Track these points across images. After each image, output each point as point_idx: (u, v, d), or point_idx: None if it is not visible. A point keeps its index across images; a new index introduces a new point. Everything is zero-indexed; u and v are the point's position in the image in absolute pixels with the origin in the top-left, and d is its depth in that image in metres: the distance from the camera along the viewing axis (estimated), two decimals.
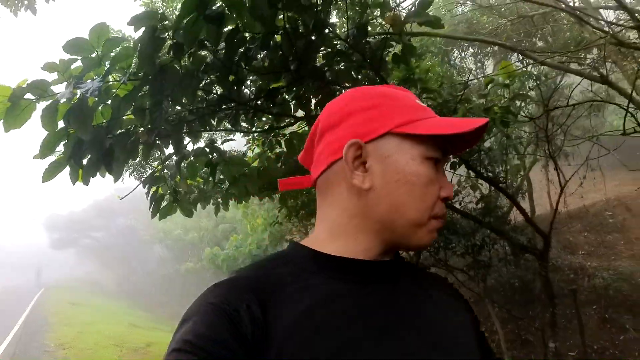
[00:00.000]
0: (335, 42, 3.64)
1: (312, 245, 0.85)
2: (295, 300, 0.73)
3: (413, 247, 0.84)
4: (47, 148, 2.85)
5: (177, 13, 2.67)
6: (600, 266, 9.16)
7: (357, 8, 3.93)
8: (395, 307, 0.79)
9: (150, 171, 4.60)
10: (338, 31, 4.95)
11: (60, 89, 2.75)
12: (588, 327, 7.13)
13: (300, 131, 4.51)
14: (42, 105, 2.73)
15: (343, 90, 3.75)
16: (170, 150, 3.65)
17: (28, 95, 2.66)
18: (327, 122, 0.87)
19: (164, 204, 4.16)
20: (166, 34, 2.68)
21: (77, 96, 2.66)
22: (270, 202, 8.75)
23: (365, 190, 0.82)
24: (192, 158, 3.91)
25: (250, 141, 5.16)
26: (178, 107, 3.55)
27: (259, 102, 3.85)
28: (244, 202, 5.04)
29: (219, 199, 4.70)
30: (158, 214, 4.05)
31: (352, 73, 3.83)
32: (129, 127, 3.27)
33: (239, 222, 12.08)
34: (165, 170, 4.11)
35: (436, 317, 0.83)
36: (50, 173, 2.93)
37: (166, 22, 2.67)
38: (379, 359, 0.71)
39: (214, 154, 4.13)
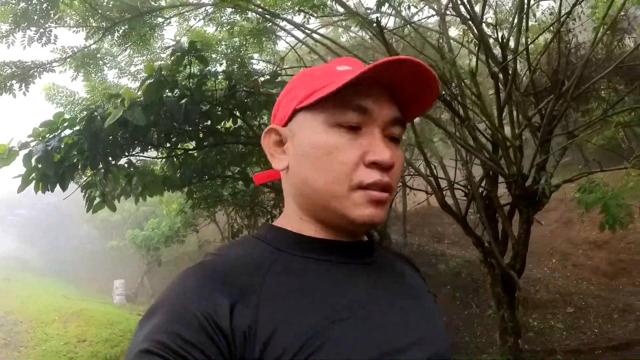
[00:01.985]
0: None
1: (282, 225, 0.84)
2: (274, 285, 0.71)
3: (350, 224, 0.78)
4: (26, 177, 5.14)
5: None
6: (458, 254, 11.73)
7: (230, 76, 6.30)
8: (375, 287, 0.80)
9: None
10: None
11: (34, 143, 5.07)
12: (440, 303, 9.82)
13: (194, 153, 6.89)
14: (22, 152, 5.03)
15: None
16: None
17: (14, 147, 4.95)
18: (272, 116, 0.90)
19: (95, 201, 6.46)
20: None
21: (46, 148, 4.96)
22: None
23: (286, 171, 0.84)
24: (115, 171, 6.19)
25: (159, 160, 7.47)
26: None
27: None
28: None
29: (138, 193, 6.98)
30: (92, 209, 6.40)
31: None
32: (74, 161, 5.56)
33: (158, 206, 14.23)
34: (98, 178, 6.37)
35: (412, 295, 0.86)
36: (23, 185, 5.20)
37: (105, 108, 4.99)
38: (365, 339, 0.71)
39: (131, 168, 6.46)
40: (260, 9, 5.43)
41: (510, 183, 5.40)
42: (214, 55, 6.84)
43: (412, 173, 6.74)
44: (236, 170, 8.22)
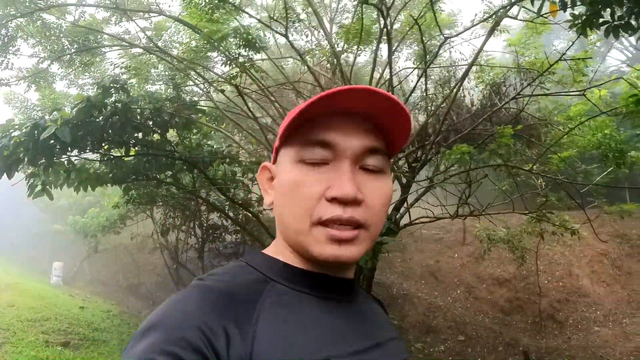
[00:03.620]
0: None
1: (274, 254, 0.89)
2: (269, 318, 0.75)
3: (316, 260, 0.82)
4: None
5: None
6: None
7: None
8: (357, 327, 0.85)
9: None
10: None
11: None
12: None
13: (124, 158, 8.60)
14: None
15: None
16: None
17: None
18: None
19: (37, 189, 8.12)
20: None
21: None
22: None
23: (272, 207, 0.90)
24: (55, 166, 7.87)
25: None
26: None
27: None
28: None
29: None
30: (32, 195, 8.08)
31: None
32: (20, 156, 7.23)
33: (103, 196, 15.73)
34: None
35: (386, 339, 0.91)
36: None
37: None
38: None
39: (70, 165, 8.15)
40: (178, 59, 7.22)
41: None
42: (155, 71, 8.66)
43: None
44: (169, 174, 9.95)
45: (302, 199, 0.80)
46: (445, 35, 6.19)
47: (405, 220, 7.54)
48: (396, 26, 8.59)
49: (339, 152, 0.81)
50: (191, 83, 8.86)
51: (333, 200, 0.79)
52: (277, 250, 0.90)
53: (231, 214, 11.07)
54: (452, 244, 14.36)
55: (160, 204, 12.05)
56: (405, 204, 7.29)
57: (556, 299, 11.64)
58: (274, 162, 0.92)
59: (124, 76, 8.22)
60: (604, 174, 8.11)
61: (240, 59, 6.42)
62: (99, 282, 18.25)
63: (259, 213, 10.06)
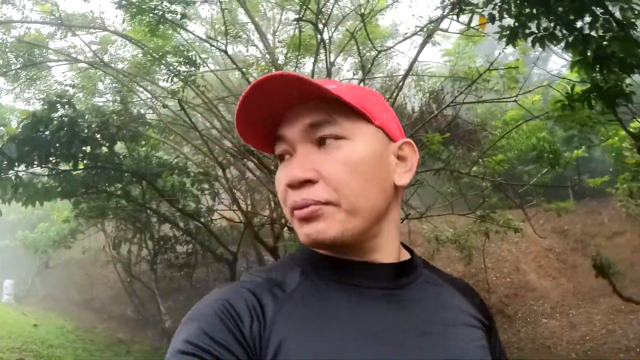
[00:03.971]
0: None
1: None
2: (293, 309, 0.77)
3: (311, 246, 0.83)
4: None
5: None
6: None
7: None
8: (399, 312, 0.81)
9: None
10: None
11: None
12: None
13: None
14: None
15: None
16: None
17: None
18: None
19: None
20: None
21: None
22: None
23: None
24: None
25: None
26: None
27: None
28: None
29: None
30: None
31: None
32: None
33: (53, 211, 15.68)
34: None
35: (445, 320, 0.85)
36: None
37: None
38: None
39: (17, 180, 8.28)
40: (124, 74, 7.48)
41: None
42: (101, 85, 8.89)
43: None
44: (119, 187, 10.12)
45: (279, 194, 0.84)
46: (378, 49, 6.63)
47: None
48: (339, 36, 9.05)
49: (290, 141, 0.82)
50: (139, 95, 9.10)
51: (291, 187, 0.79)
52: None
53: (182, 225, 11.27)
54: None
55: (111, 216, 12.11)
56: None
57: (505, 294, 12.12)
58: None
59: (70, 90, 8.44)
60: (541, 175, 8.69)
61: (182, 75, 6.72)
62: (52, 299, 18.00)
63: (210, 222, 10.34)
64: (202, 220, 10.41)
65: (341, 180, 0.78)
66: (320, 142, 0.80)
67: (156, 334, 13.18)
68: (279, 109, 0.82)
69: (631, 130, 6.18)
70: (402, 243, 0.92)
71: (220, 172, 9.12)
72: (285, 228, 8.10)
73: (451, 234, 9.83)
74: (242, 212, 8.14)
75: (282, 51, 8.25)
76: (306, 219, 0.78)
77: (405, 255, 0.92)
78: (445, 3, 6.09)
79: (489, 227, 8.81)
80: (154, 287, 12.72)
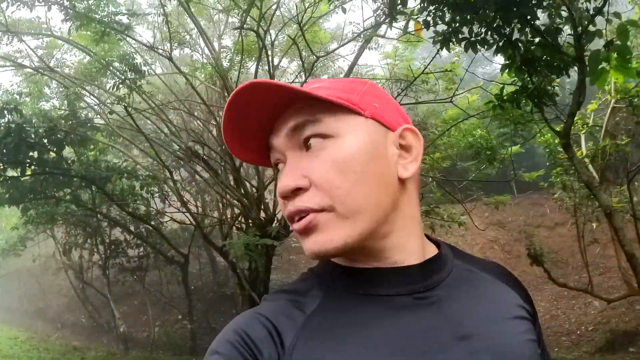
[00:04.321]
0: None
1: (337, 259, 0.83)
2: (314, 326, 0.73)
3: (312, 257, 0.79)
4: None
5: None
6: (278, 277, 14.02)
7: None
8: (433, 317, 0.76)
9: None
10: None
11: None
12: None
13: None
14: None
15: None
16: None
17: None
18: None
19: None
20: None
21: None
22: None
23: None
24: None
25: None
26: None
27: None
28: None
29: None
30: None
31: None
32: None
33: (0, 218, 15.56)
34: None
35: (487, 318, 0.79)
36: None
37: None
38: None
39: None
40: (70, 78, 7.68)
41: (256, 224, 7.98)
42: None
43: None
44: (68, 192, 10.24)
45: (280, 207, 0.79)
46: (317, 55, 7.03)
47: None
48: (284, 38, 9.39)
49: (280, 151, 0.79)
50: (86, 100, 9.25)
51: (283, 198, 0.76)
52: None
53: (132, 228, 11.44)
54: None
55: (61, 222, 12.15)
56: None
57: None
58: None
59: (18, 97, 8.55)
60: (479, 171, 9.23)
61: (127, 82, 6.96)
62: (3, 309, 17.91)
63: (160, 225, 10.56)
64: (152, 223, 10.59)
65: (332, 183, 0.73)
66: (307, 145, 0.76)
67: (111, 339, 13.26)
68: (266, 118, 0.79)
69: (557, 128, 6.67)
70: (427, 236, 0.87)
71: (169, 175, 9.35)
72: (234, 228, 8.43)
73: None
74: (190, 214, 8.44)
75: (226, 56, 8.55)
76: (304, 232, 0.74)
77: (433, 250, 0.84)
78: (378, 12, 6.50)
79: (433, 221, 9.29)
80: (107, 292, 12.77)
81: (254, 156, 0.85)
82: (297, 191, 0.74)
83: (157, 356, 11.60)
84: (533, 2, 4.55)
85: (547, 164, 9.93)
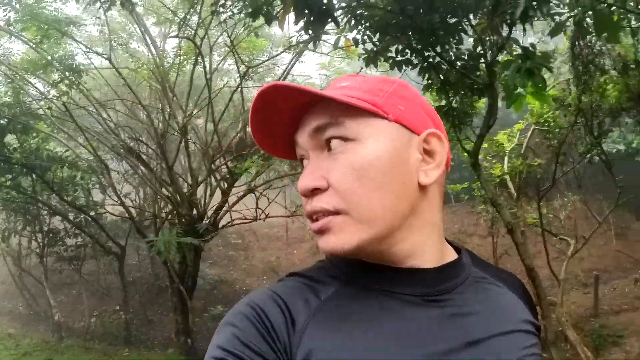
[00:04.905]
0: None
1: None
2: (325, 315, 0.75)
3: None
4: None
5: None
6: (216, 272, 14.79)
7: None
8: (442, 321, 0.77)
9: None
10: None
11: None
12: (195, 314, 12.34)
13: None
14: None
15: None
16: None
17: None
18: None
19: None
20: None
21: None
22: None
23: None
24: None
25: None
26: None
27: None
28: None
29: None
30: None
31: None
32: None
33: None
34: None
35: (493, 328, 0.79)
36: None
37: None
38: None
39: None
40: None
41: (186, 220, 8.58)
42: None
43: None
44: (9, 177, 10.54)
45: (303, 203, 0.81)
46: (247, 65, 7.69)
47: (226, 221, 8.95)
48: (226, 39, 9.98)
49: (303, 148, 0.80)
50: (31, 90, 9.63)
51: (303, 196, 0.78)
52: None
53: (72, 218, 11.80)
54: (293, 241, 16.14)
55: (1, 208, 12.35)
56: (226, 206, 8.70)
57: None
58: None
59: None
60: None
61: (66, 81, 7.46)
62: None
63: (99, 216, 11.01)
64: (91, 213, 11.01)
65: (348, 188, 0.75)
66: (329, 146, 0.77)
67: (48, 328, 13.37)
68: (291, 117, 0.81)
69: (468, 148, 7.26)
70: (449, 241, 0.89)
71: (112, 167, 9.79)
72: (167, 223, 9.01)
73: None
74: (125, 207, 8.99)
75: (166, 57, 9.08)
76: (319, 232, 0.77)
77: (452, 255, 0.87)
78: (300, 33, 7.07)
79: None
80: (44, 280, 12.96)
81: (284, 151, 0.87)
82: (315, 191, 0.76)
83: (91, 346, 11.86)
84: (454, 28, 4.96)
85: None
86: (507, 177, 9.29)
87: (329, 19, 4.29)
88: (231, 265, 15.44)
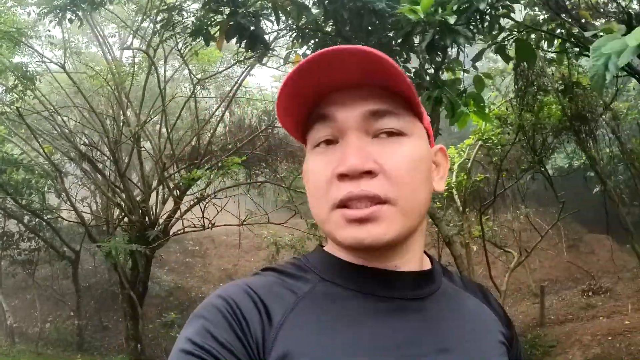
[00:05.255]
0: None
1: (331, 249, 0.85)
2: (302, 314, 0.74)
3: (345, 247, 0.79)
4: None
5: None
6: (172, 279, 14.98)
7: None
8: (418, 325, 0.78)
9: None
10: None
11: None
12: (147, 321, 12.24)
13: None
14: None
15: None
16: None
17: None
18: None
19: None
20: None
21: None
22: None
23: None
24: None
25: None
26: None
27: None
28: None
29: None
30: None
31: None
32: None
33: None
34: None
35: (467, 336, 0.82)
36: None
37: None
38: None
39: None
40: None
41: (137, 226, 8.87)
42: None
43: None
44: None
45: (317, 185, 0.78)
46: (197, 78, 8.07)
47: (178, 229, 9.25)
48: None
49: (341, 125, 0.76)
50: None
51: (343, 177, 0.73)
52: (332, 245, 0.85)
53: (26, 221, 11.88)
54: (249, 249, 16.37)
55: None
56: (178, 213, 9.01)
57: None
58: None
59: None
60: None
61: (20, 87, 7.72)
62: None
63: (54, 220, 11.18)
64: (46, 217, 11.14)
65: (403, 177, 0.75)
66: (375, 134, 0.77)
67: (1, 334, 13.56)
68: (326, 89, 0.78)
69: None
70: (424, 251, 0.89)
71: (67, 170, 10.00)
72: (119, 228, 9.27)
73: (289, 239, 11.29)
74: (76, 212, 9.24)
75: (121, 66, 9.38)
76: (362, 220, 0.73)
77: (428, 264, 0.89)
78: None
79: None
80: None
81: (292, 124, 0.83)
82: (364, 174, 0.73)
83: (43, 351, 11.92)
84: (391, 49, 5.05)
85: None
86: (454, 190, 9.67)
87: (260, 43, 4.61)
88: (188, 272, 15.67)
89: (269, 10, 4.77)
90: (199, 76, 8.31)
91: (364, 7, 4.63)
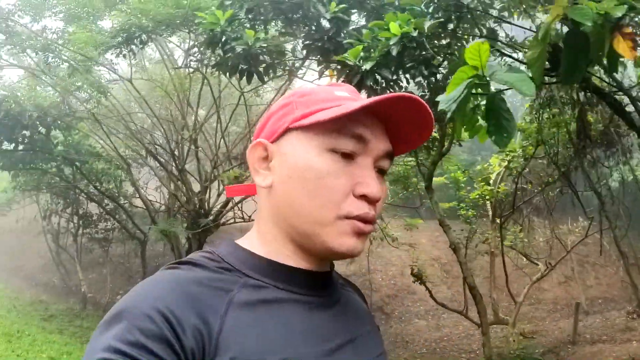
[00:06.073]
0: None
1: (249, 246, 0.87)
2: (238, 315, 0.75)
3: (329, 252, 0.84)
4: None
5: None
6: None
7: None
8: (334, 319, 0.87)
9: None
10: None
11: None
12: None
13: None
14: None
15: None
16: None
17: None
18: (255, 131, 0.94)
19: None
20: None
21: None
22: None
23: (268, 190, 0.87)
24: None
25: None
26: None
27: None
28: None
29: None
30: None
31: None
32: None
33: None
34: None
35: (361, 327, 0.93)
36: None
37: None
38: None
39: None
40: None
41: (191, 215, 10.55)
42: None
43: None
44: (54, 165, 12.70)
45: (330, 190, 0.81)
46: (240, 91, 9.66)
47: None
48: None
49: (368, 150, 0.84)
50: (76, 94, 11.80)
51: (362, 197, 0.81)
52: (256, 243, 0.89)
53: (104, 204, 13.86)
54: None
55: (45, 191, 14.48)
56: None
57: (387, 294, 14.59)
58: (273, 140, 0.88)
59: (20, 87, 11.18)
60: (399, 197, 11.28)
61: (95, 98, 9.72)
62: None
63: (130, 204, 13.10)
64: (121, 202, 13.04)
65: (380, 211, 0.88)
66: (375, 168, 0.86)
67: (77, 300, 15.47)
68: (382, 118, 0.87)
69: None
70: None
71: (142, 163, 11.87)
72: (178, 215, 11.02)
73: None
74: (142, 199, 11.07)
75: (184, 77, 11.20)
76: (360, 234, 0.83)
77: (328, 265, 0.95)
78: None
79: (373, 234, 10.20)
80: (76, 257, 15.05)
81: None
82: (376, 201, 0.84)
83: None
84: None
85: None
86: (487, 200, 9.99)
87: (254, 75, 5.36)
88: None
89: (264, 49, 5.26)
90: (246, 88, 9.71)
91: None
